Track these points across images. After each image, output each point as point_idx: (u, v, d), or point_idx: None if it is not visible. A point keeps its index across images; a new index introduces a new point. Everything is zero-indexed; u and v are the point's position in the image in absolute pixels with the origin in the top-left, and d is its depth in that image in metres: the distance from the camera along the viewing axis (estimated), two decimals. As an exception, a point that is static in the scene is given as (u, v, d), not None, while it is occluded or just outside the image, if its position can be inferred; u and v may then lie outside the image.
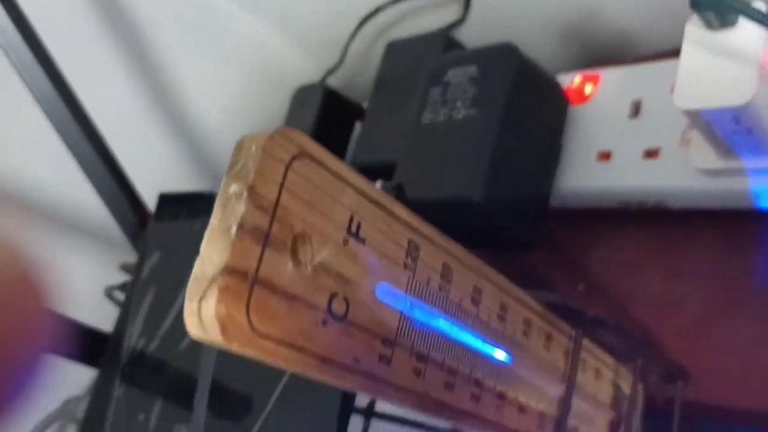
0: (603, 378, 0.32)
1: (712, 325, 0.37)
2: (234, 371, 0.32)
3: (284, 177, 0.17)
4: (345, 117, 0.49)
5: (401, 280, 0.21)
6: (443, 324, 0.22)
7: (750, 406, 0.34)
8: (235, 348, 0.16)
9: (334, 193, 0.18)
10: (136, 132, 0.51)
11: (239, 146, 0.17)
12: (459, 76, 0.41)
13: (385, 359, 0.20)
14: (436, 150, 0.40)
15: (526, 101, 0.40)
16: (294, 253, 0.17)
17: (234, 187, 0.16)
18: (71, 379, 0.42)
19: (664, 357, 0.32)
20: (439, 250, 0.22)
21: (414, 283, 0.21)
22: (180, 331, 0.36)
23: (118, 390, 0.35)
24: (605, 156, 0.41)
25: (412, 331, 0.21)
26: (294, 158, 0.17)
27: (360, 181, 0.19)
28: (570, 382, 0.28)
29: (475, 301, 0.24)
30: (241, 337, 0.16)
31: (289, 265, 0.17)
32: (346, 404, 0.30)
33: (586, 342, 0.31)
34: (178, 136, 0.51)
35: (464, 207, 0.38)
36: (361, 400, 0.31)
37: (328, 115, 0.49)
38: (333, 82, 0.52)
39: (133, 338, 0.37)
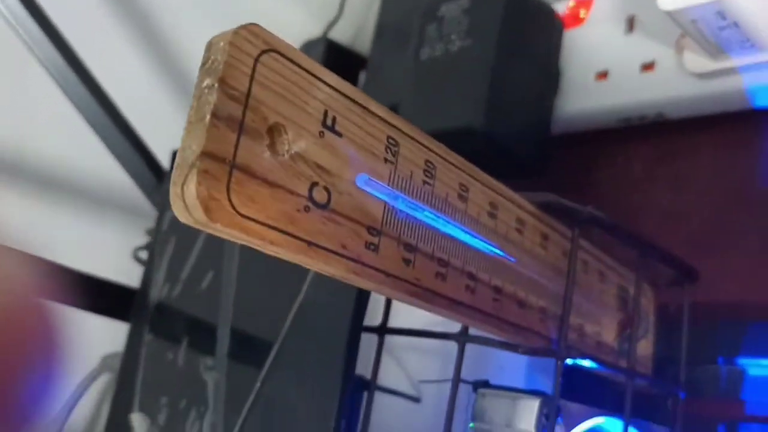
0: (608, 280, 0.33)
1: (721, 229, 0.38)
2: (249, 308, 0.34)
3: (253, 69, 0.18)
4: (349, 68, 0.50)
5: (383, 173, 0.22)
6: (430, 216, 0.23)
7: (760, 299, 0.35)
8: (221, 229, 0.18)
9: (306, 87, 0.20)
10: (149, 97, 0.53)
11: (210, 44, 0.18)
12: (452, 10, 0.42)
13: (372, 246, 0.21)
14: (436, 84, 0.41)
15: (520, 27, 0.41)
16: (271, 143, 0.19)
17: (207, 81, 0.18)
18: (108, 338, 0.44)
19: (666, 255, 0.33)
20: (420, 147, 0.23)
21: (396, 177, 0.22)
22: (200, 272, 0.38)
23: (148, 336, 0.37)
24: (603, 75, 0.41)
25: (398, 222, 0.22)
26: (262, 52, 0.18)
27: (332, 77, 0.20)
28: (570, 281, 0.28)
29: (463, 198, 0.25)
30: (224, 218, 0.17)
31: (267, 153, 0.18)
32: (357, 325, 0.31)
33: (587, 244, 0.32)
34: (188, 98, 0.53)
35: (467, 135, 0.39)
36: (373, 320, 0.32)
37: (332, 68, 0.49)
38: (336, 35, 0.53)
39: (158, 287, 0.38)
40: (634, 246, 0.32)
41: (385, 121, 0.22)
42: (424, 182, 0.23)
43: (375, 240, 0.21)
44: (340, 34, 0.54)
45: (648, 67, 0.39)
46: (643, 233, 0.36)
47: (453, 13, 0.42)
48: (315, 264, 0.20)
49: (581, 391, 0.33)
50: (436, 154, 0.24)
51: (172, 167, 0.41)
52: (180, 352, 0.34)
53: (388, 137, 0.22)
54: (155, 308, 0.37)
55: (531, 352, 0.27)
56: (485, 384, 0.31)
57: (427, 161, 0.23)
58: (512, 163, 0.41)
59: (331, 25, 0.52)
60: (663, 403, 0.35)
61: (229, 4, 0.55)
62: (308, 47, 0.51)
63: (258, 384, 0.30)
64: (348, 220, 0.20)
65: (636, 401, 0.31)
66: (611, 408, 0.32)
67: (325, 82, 0.20)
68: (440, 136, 0.39)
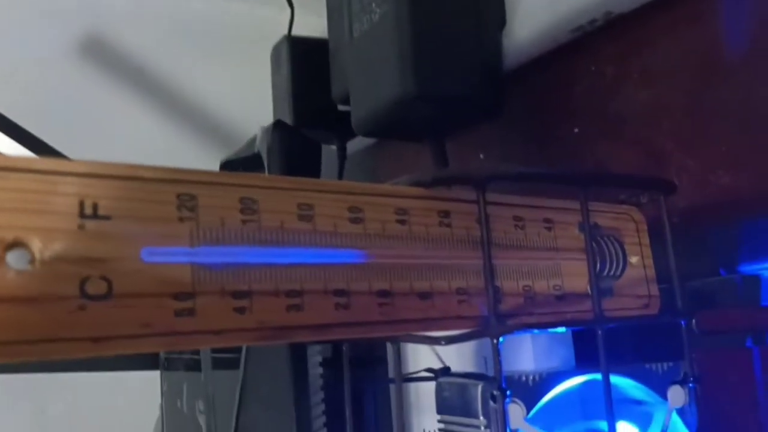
0: (559, 226, 0.30)
1: (702, 115, 0.33)
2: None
3: (-29, 199, 0.18)
4: (318, 58, 0.49)
5: (180, 233, 0.21)
6: (260, 254, 0.22)
7: (755, 189, 0.30)
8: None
9: (47, 188, 0.19)
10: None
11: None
12: (368, -24, 0.39)
13: (186, 312, 0.21)
14: (369, 59, 0.39)
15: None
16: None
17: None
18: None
19: (613, 178, 0.29)
20: (229, 188, 0.22)
21: (201, 230, 0.21)
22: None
23: (164, 385, 0.39)
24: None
25: (215, 275, 0.21)
26: (-22, 178, 0.18)
27: (82, 165, 0.20)
28: (486, 250, 0.26)
29: (306, 217, 0.23)
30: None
31: (10, 274, 0.18)
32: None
33: (518, 198, 0.29)
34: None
35: (405, 105, 0.37)
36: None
37: (300, 63, 0.49)
38: (305, 30, 0.51)
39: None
40: (564, 182, 0.29)
41: (170, 181, 0.21)
42: (244, 221, 0.22)
43: (188, 304, 0.21)
44: (309, 26, 0.52)
45: (579, -35, 0.35)
46: (586, 163, 0.33)
47: (369, -20, 0.39)
48: (114, 352, 0.20)
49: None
50: (255, 187, 0.23)
51: None
52: (183, 399, 0.36)
53: (179, 195, 0.21)
54: (165, 360, 0.39)
55: (452, 340, 0.26)
56: (446, 371, 0.29)
57: (242, 199, 0.22)
58: (469, 113, 0.38)
59: (291, 21, 0.51)
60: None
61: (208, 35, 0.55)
62: (278, 50, 0.51)
63: (234, 422, 0.31)
64: (144, 298, 0.20)
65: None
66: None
67: (72, 174, 0.20)
68: (384, 112, 0.38)
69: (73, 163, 0.20)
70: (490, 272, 0.26)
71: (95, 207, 0.20)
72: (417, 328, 0.25)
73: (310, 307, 0.23)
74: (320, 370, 0.31)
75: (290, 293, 0.22)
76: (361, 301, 0.24)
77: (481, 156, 0.44)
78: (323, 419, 0.30)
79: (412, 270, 0.25)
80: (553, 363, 0.33)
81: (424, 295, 0.25)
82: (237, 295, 0.22)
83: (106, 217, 0.20)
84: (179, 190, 0.21)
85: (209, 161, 0.45)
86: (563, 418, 0.30)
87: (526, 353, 0.32)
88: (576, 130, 0.39)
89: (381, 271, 0.24)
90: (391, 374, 0.30)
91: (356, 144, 0.52)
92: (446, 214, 0.27)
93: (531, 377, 0.27)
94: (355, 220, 0.24)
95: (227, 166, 0.33)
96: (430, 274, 0.26)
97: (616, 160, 0.37)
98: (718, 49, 0.32)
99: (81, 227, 0.19)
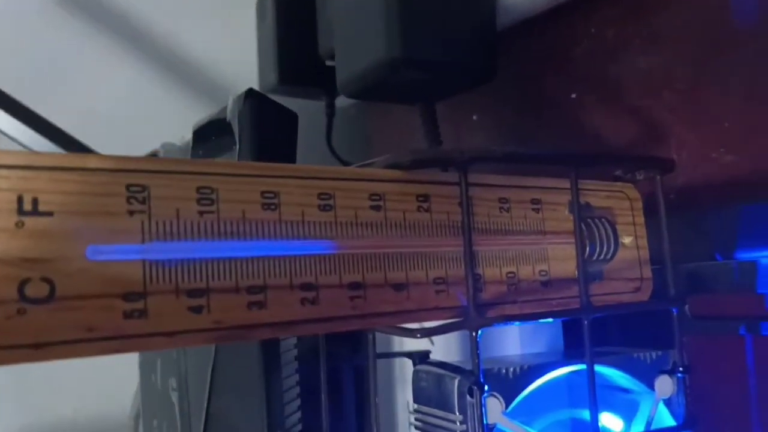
0: (547, 207, 0.28)
1: (706, 87, 0.31)
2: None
3: None
4: (305, 11, 0.46)
5: (131, 228, 0.19)
6: (220, 248, 0.21)
7: (758, 171, 0.28)
8: None
9: (-21, 184, 0.18)
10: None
11: None
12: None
13: (136, 313, 0.19)
14: (355, 17, 0.37)
15: None
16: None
17: None
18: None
19: (604, 157, 0.27)
20: (184, 177, 0.20)
21: (153, 224, 0.20)
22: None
23: (140, 359, 0.38)
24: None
25: (170, 272, 0.20)
26: None
27: (18, 156, 0.18)
28: (466, 233, 0.24)
29: (270, 206, 0.22)
30: None
31: (-62, 278, 0.17)
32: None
33: (503, 178, 0.27)
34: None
35: (392, 69, 0.34)
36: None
37: (286, 14, 0.46)
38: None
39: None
40: (554, 163, 0.27)
41: (118, 171, 0.20)
42: (201, 213, 0.21)
43: (138, 305, 0.19)
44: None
45: None
46: (576, 144, 0.31)
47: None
48: (58, 359, 0.18)
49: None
50: (213, 174, 0.21)
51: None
52: (157, 374, 0.35)
53: (128, 186, 0.20)
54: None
55: (428, 332, 0.24)
56: (425, 358, 0.28)
57: (199, 188, 0.21)
58: (459, 78, 0.36)
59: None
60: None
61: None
62: (262, 4, 0.48)
63: (205, 403, 0.30)
64: (90, 299, 0.19)
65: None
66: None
67: (8, 167, 0.18)
68: (372, 75, 0.36)
69: (10, 154, 0.18)
70: (470, 260, 0.25)
71: (35, 202, 0.18)
72: (391, 321, 0.24)
73: (273, 304, 0.21)
74: (295, 352, 0.29)
75: (252, 289, 0.21)
76: (331, 295, 0.22)
77: (474, 118, 0.42)
78: (297, 402, 0.29)
79: (386, 260, 0.24)
80: (540, 347, 0.32)
81: (399, 287, 0.24)
82: (193, 293, 0.20)
83: (48, 213, 0.18)
84: (129, 181, 0.20)
85: (193, 116, 0.43)
86: (548, 406, 0.29)
87: (512, 337, 0.31)
88: (573, 95, 0.36)
89: (353, 263, 0.23)
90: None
91: (345, 99, 0.50)
92: (425, 198, 0.25)
93: (512, 369, 0.26)
94: (324, 208, 0.23)
95: (200, 132, 0.32)
96: (406, 264, 0.24)
97: (613, 130, 0.35)
98: (726, 16, 0.30)
99: (19, 225, 0.18)
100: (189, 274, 0.20)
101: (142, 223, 0.20)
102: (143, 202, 0.20)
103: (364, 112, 0.52)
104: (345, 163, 0.46)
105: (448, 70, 0.35)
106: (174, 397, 0.32)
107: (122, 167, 0.20)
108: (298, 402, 0.29)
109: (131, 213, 0.20)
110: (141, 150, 0.37)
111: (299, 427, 0.29)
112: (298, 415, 0.29)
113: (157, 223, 0.20)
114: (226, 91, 0.41)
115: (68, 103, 0.49)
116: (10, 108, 0.39)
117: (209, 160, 0.21)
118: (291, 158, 0.29)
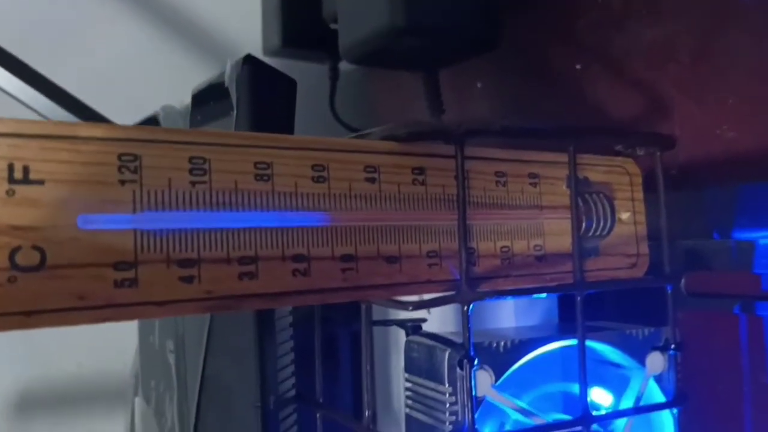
0: (545, 182, 0.28)
1: (712, 61, 0.30)
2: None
3: None
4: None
5: (123, 197, 0.19)
6: (211, 218, 0.21)
7: (761, 150, 0.28)
8: None
9: (-30, 152, 0.18)
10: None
11: None
12: None
13: (127, 282, 0.19)
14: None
15: None
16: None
17: None
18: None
19: (602, 130, 0.27)
20: (176, 147, 0.20)
21: (145, 194, 0.20)
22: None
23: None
24: None
25: (161, 242, 0.20)
26: None
27: (10, 124, 0.18)
28: (461, 206, 0.24)
29: (263, 177, 0.22)
30: None
31: (-72, 245, 0.17)
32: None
33: (499, 152, 0.27)
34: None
35: (394, 35, 0.34)
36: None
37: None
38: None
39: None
40: (553, 137, 0.26)
41: (110, 140, 0.20)
42: (193, 182, 0.21)
43: (129, 274, 0.19)
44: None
45: None
46: (573, 117, 0.31)
47: None
48: (48, 326, 0.19)
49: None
50: (205, 144, 0.21)
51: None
52: (155, 335, 0.35)
53: (120, 155, 0.20)
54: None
55: (420, 305, 0.24)
56: (418, 329, 0.28)
57: (191, 158, 0.21)
58: (462, 45, 0.35)
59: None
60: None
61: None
62: None
63: (201, 366, 0.30)
64: (80, 268, 0.19)
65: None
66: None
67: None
68: (376, 42, 0.35)
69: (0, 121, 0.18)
70: (463, 234, 0.24)
71: (26, 170, 0.18)
72: (383, 294, 0.24)
73: (264, 275, 0.21)
74: (290, 318, 0.30)
75: (243, 260, 0.21)
76: (322, 267, 0.22)
77: (479, 85, 0.41)
78: (292, 368, 0.30)
79: (379, 232, 0.24)
80: (534, 320, 0.32)
81: (391, 259, 0.24)
82: (184, 263, 0.20)
83: (39, 182, 0.18)
84: (121, 150, 0.20)
85: (196, 78, 0.43)
86: (540, 380, 0.29)
87: (506, 310, 0.31)
88: (578, 66, 0.36)
89: (345, 235, 0.23)
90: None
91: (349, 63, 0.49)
92: (421, 170, 0.25)
93: (503, 343, 0.26)
94: (318, 179, 0.23)
95: (198, 96, 0.31)
96: (399, 237, 0.24)
97: (617, 102, 0.35)
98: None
99: (10, 193, 0.18)
100: (180, 244, 0.20)
101: (134, 192, 0.20)
102: (135, 171, 0.20)
103: (367, 76, 0.51)
104: (347, 127, 0.46)
105: (451, 38, 0.35)
106: (171, 358, 0.32)
107: (114, 136, 0.20)
108: (292, 368, 0.29)
109: (123, 182, 0.20)
110: (142, 111, 0.37)
111: (293, 392, 0.29)
112: (293, 380, 0.29)
113: (148, 193, 0.20)
114: (230, 53, 0.41)
115: (69, 62, 0.49)
116: (12, 67, 0.39)
117: (202, 130, 0.21)
118: (289, 125, 0.29)
